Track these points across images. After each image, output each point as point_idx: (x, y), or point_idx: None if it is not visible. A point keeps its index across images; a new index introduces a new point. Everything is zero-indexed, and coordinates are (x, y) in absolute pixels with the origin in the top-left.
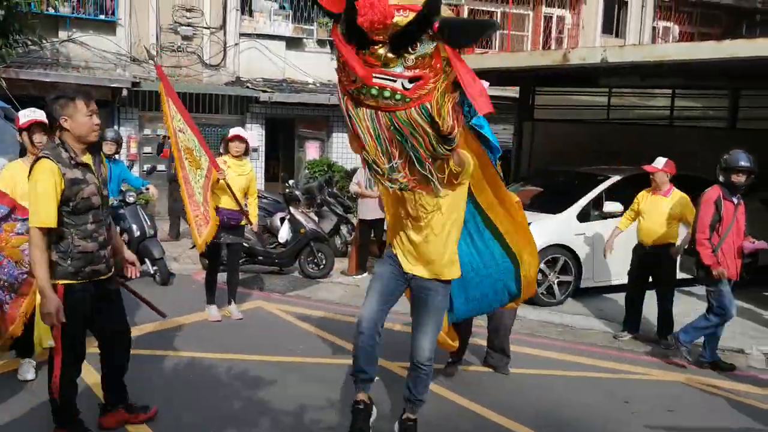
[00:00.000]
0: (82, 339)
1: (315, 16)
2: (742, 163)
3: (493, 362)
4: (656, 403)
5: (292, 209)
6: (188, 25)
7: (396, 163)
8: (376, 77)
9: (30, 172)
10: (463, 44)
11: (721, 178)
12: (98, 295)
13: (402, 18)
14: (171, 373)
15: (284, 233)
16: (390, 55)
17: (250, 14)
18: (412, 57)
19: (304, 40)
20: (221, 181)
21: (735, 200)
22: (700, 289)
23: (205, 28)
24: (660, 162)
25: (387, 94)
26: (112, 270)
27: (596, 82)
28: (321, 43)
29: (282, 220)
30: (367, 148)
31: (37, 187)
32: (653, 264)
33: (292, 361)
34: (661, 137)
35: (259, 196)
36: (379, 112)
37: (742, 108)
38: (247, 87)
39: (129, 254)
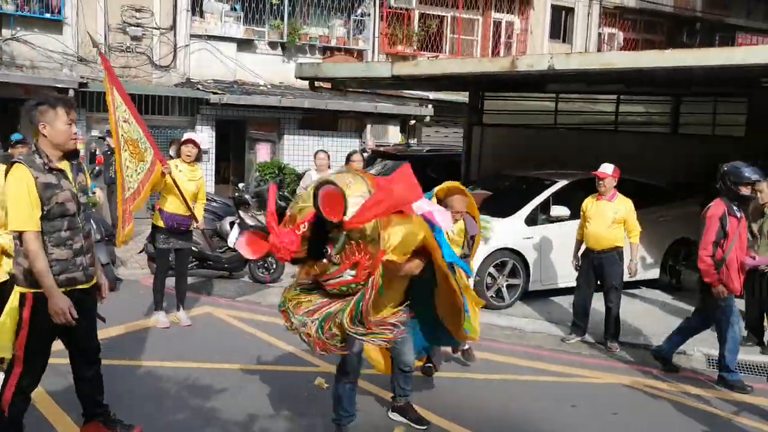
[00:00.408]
0: (46, 351)
1: (267, 18)
2: (751, 176)
3: (434, 360)
4: (602, 406)
5: (241, 213)
6: (137, 26)
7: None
8: (333, 279)
9: (5, 178)
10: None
11: (726, 193)
12: (74, 304)
13: (303, 235)
14: (115, 383)
15: (234, 237)
16: (317, 265)
17: (201, 15)
18: (336, 256)
19: (256, 41)
20: (170, 183)
21: (739, 215)
22: (647, 292)
23: (155, 28)
24: (608, 168)
25: (344, 288)
26: (92, 279)
27: (544, 88)
28: (272, 45)
29: (232, 224)
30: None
31: (13, 193)
32: (600, 268)
33: (242, 368)
34: (607, 142)
35: (208, 200)
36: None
37: (683, 114)
38: (198, 88)
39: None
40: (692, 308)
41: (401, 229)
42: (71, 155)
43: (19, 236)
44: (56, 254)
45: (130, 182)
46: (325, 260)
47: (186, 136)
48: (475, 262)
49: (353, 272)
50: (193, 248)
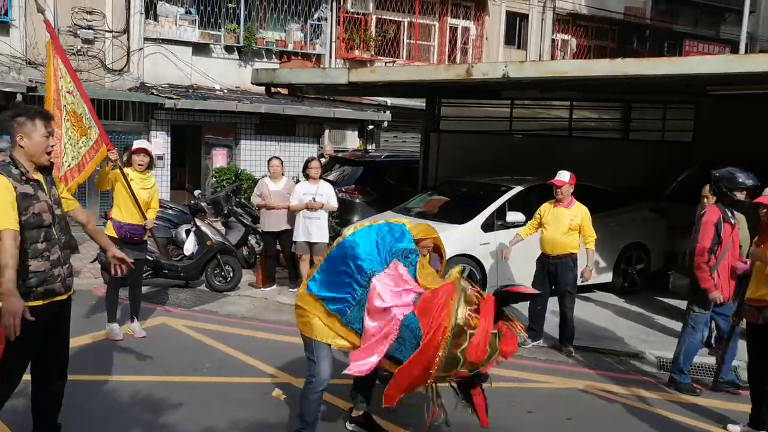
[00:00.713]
0: (20, 371)
1: (222, 22)
2: (746, 181)
3: None
4: (557, 411)
5: (197, 221)
6: (89, 28)
7: None
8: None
9: None
10: None
11: (720, 199)
12: (52, 316)
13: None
14: (65, 400)
15: (190, 245)
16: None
17: (155, 19)
18: None
19: (212, 45)
20: (119, 182)
21: (733, 221)
22: (600, 296)
23: (107, 31)
24: (565, 176)
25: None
26: (70, 290)
27: (499, 95)
28: (228, 49)
29: (187, 232)
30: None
31: None
32: (556, 273)
33: (199, 381)
34: (561, 148)
35: (164, 207)
36: None
37: (633, 120)
38: (152, 93)
39: (117, 251)
40: (644, 311)
41: None
42: (45, 168)
43: None
44: (34, 266)
45: (72, 152)
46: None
47: (136, 144)
48: None
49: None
50: (147, 257)
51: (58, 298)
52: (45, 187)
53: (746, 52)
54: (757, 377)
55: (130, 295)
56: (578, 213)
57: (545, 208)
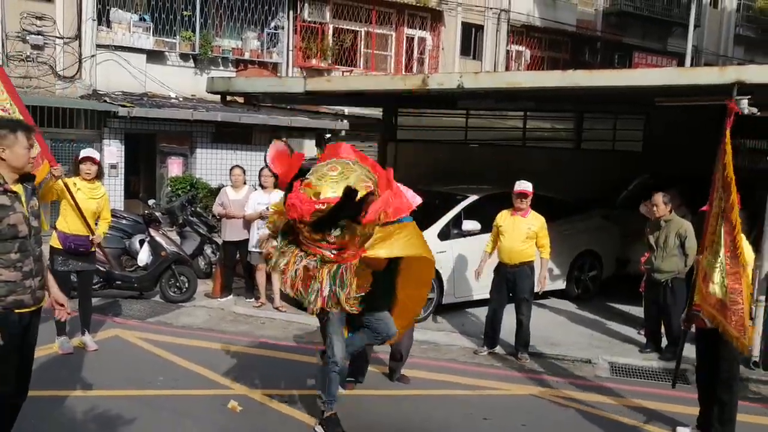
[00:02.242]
0: (9, 360)
1: (178, 29)
2: None
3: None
4: (512, 418)
5: (152, 230)
6: (38, 34)
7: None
8: (311, 243)
9: None
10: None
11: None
12: (21, 327)
13: (319, 210)
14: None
15: (144, 256)
16: (315, 234)
17: (108, 25)
18: (332, 236)
19: (166, 53)
20: (64, 195)
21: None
22: (554, 302)
23: (58, 37)
24: (529, 185)
25: (318, 258)
26: (41, 301)
27: (454, 104)
28: (184, 56)
29: (141, 242)
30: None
31: None
32: (513, 281)
33: (152, 394)
34: (515, 157)
35: (117, 217)
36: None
37: (585, 130)
38: (105, 101)
39: (56, 293)
40: (597, 317)
41: (393, 241)
42: (27, 178)
43: None
44: (5, 276)
45: None
46: (321, 234)
47: (83, 153)
48: None
49: (335, 251)
50: (99, 267)
51: (27, 309)
52: (23, 198)
53: (692, 64)
54: (705, 381)
55: (80, 308)
56: (535, 221)
57: (502, 217)
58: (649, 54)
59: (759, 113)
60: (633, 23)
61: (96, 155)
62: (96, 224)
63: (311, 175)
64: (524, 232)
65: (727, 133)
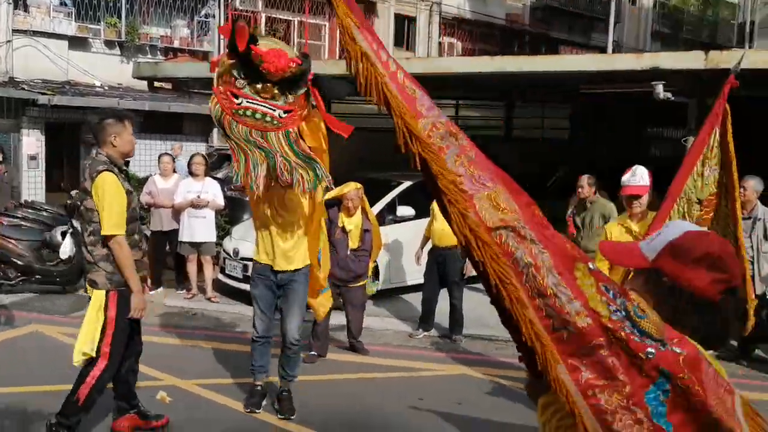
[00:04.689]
0: (125, 345)
1: (102, 15)
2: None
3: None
4: (447, 397)
5: (75, 222)
6: None
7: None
8: (262, 105)
9: (94, 185)
10: (331, 97)
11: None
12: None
13: (292, 68)
14: None
15: (66, 248)
16: (277, 92)
17: (25, 9)
18: (291, 96)
19: (90, 40)
20: None
21: None
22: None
23: None
24: None
25: (267, 118)
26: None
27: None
28: (109, 44)
29: (64, 234)
30: (236, 154)
31: (108, 199)
32: (443, 263)
33: None
34: None
35: (37, 208)
36: (253, 131)
37: (515, 119)
38: (23, 88)
39: None
40: None
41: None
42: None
43: (106, 240)
44: (132, 255)
45: None
46: (278, 91)
47: None
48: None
49: (284, 114)
50: (17, 261)
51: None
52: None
53: None
54: None
55: None
56: None
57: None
58: (574, 48)
59: (673, 98)
60: (559, 18)
61: None
62: None
63: (262, 40)
64: None
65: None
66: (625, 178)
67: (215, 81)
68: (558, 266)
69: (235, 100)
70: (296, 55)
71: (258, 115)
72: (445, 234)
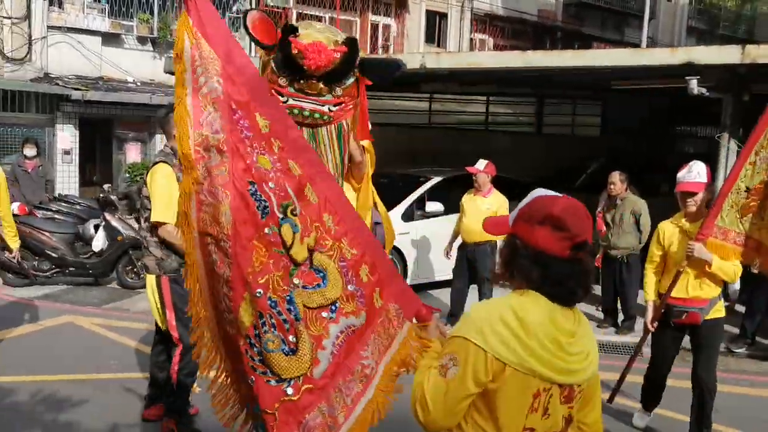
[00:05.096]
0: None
1: (135, 12)
2: None
3: None
4: None
5: (107, 215)
6: None
7: None
8: (309, 102)
9: (149, 174)
10: (376, 81)
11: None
12: None
13: (336, 62)
14: None
15: (99, 241)
16: (323, 87)
17: (60, 6)
18: (340, 89)
19: (123, 36)
20: None
21: None
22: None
23: (6, 17)
24: (481, 164)
25: (317, 115)
26: None
27: (418, 88)
28: (142, 39)
29: (96, 227)
30: None
31: (159, 188)
32: (473, 260)
33: (105, 377)
34: (478, 141)
35: (70, 202)
36: (304, 128)
37: (546, 115)
38: (57, 84)
39: None
40: None
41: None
42: None
43: (156, 228)
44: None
45: None
46: (324, 86)
47: None
48: None
49: (334, 108)
50: (51, 254)
51: None
52: None
53: None
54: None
55: None
56: (495, 201)
57: (466, 197)
58: (607, 44)
59: (708, 94)
60: (592, 14)
61: None
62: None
63: (302, 29)
64: (483, 212)
65: None
66: (681, 174)
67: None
68: (235, 281)
69: (281, 99)
70: (342, 39)
71: (306, 113)
72: (474, 231)
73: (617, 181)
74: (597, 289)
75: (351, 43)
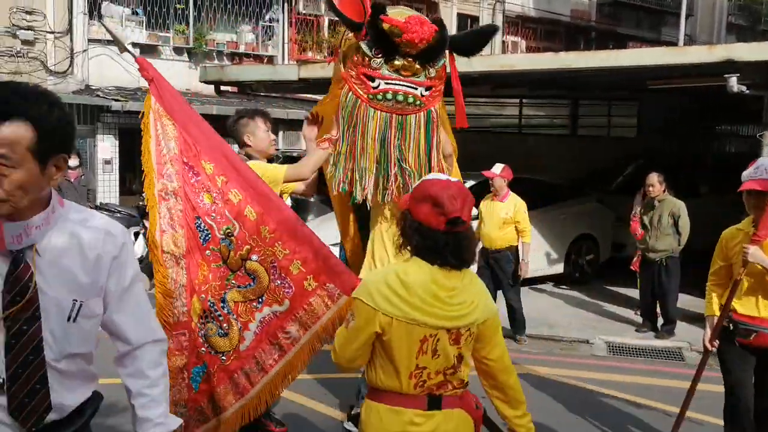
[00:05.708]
0: None
1: (171, 23)
2: None
3: None
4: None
5: (146, 222)
6: (28, 29)
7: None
8: (403, 85)
9: None
10: (471, 54)
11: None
12: None
13: (435, 36)
14: None
15: (139, 248)
16: (418, 67)
17: (100, 19)
18: (434, 69)
19: (160, 47)
20: None
21: None
22: (553, 286)
23: (49, 32)
24: (497, 168)
25: (410, 99)
26: None
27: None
28: (178, 50)
29: (136, 234)
30: (364, 149)
31: None
32: (495, 266)
33: None
34: (512, 144)
35: (111, 210)
36: (393, 115)
37: (581, 117)
38: (98, 95)
39: None
40: (594, 299)
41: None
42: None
43: None
44: None
45: None
46: (419, 66)
47: None
48: None
49: (426, 92)
50: None
51: None
52: None
53: None
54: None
55: None
56: (512, 206)
57: (483, 203)
58: (642, 43)
59: (748, 92)
60: (627, 13)
61: None
62: None
63: (390, 9)
64: (501, 218)
65: None
66: (747, 172)
67: (342, 66)
68: (188, 286)
69: (371, 84)
70: (431, 19)
71: (400, 97)
72: (493, 237)
73: (656, 182)
74: (635, 294)
75: (441, 23)
